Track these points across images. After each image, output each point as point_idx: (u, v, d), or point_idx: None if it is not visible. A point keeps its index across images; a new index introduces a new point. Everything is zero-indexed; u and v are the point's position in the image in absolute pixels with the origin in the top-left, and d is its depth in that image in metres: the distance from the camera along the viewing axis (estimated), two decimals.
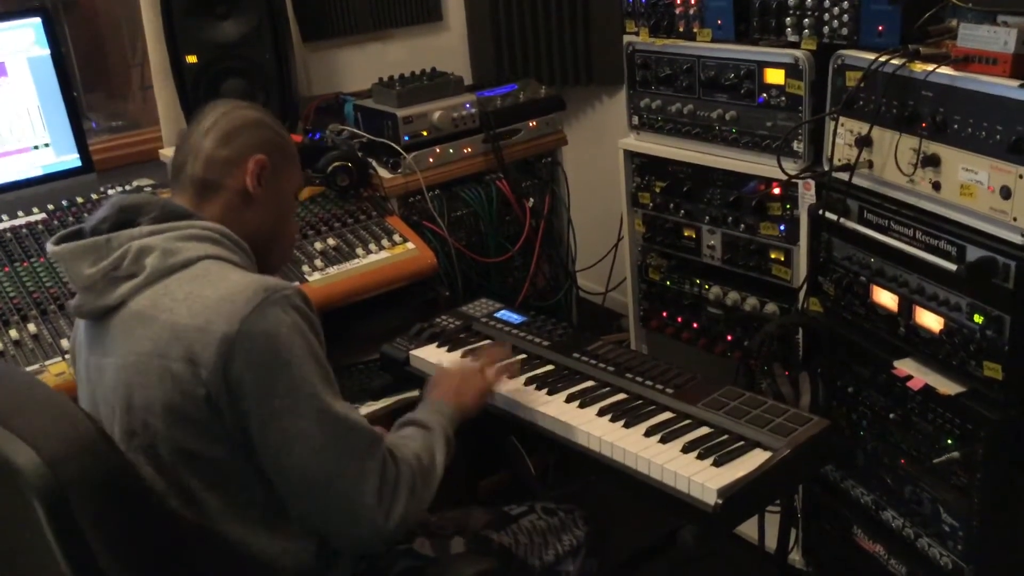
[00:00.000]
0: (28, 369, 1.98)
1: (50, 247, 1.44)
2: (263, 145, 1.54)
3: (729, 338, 2.58)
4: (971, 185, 1.73)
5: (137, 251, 1.39)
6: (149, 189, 2.61)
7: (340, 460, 1.37)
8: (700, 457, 1.58)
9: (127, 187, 2.62)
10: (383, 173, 2.65)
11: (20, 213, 2.46)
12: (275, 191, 1.57)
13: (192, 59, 2.65)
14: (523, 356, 1.90)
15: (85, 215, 2.45)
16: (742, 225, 2.45)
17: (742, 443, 1.62)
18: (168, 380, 1.32)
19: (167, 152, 2.94)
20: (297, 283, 1.41)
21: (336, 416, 1.38)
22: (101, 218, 1.44)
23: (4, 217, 2.45)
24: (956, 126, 1.74)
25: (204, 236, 1.44)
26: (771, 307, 2.45)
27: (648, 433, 1.67)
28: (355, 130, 2.77)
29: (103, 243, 1.40)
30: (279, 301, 1.35)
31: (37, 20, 2.47)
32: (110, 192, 2.59)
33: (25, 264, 2.27)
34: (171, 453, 1.35)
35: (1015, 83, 1.61)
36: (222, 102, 1.59)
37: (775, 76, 2.24)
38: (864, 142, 1.96)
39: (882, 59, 1.86)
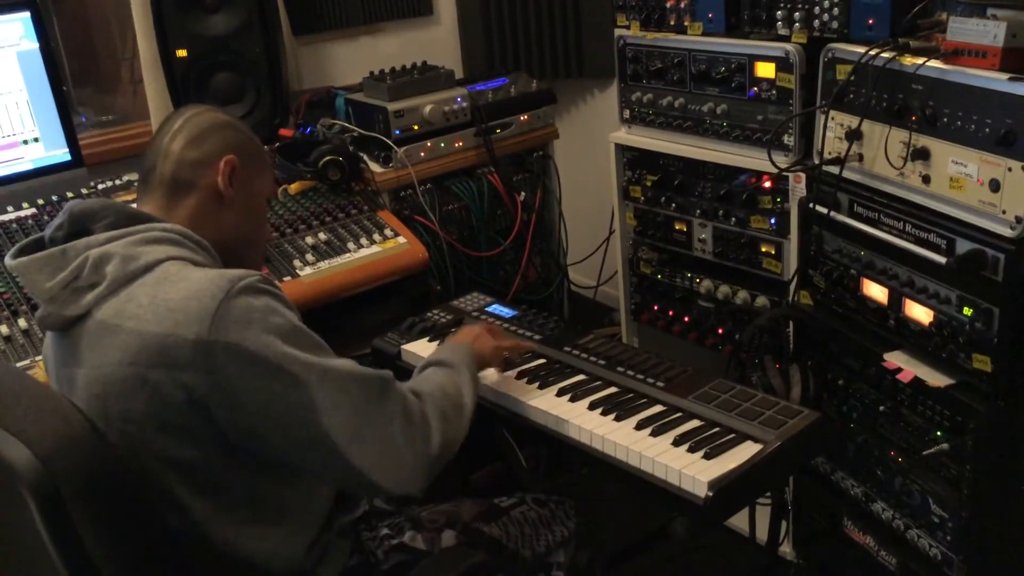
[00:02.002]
0: (18, 365, 1.97)
1: (8, 260, 1.41)
2: (233, 146, 1.53)
3: (720, 331, 2.59)
4: (961, 178, 1.73)
5: (96, 260, 1.36)
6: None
7: (359, 412, 1.36)
8: (691, 450, 1.59)
9: (118, 181, 2.61)
10: (374, 167, 2.64)
11: (10, 208, 2.44)
12: (247, 193, 1.56)
13: (182, 53, 2.64)
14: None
15: (59, 212, 2.43)
16: (733, 218, 2.45)
17: (733, 436, 1.63)
18: (145, 389, 1.30)
19: None
20: (257, 272, 1.39)
21: (339, 373, 1.36)
22: (56, 226, 1.42)
23: None
24: (946, 119, 1.75)
25: (163, 238, 1.41)
26: (762, 300, 2.45)
27: (639, 426, 1.67)
28: (346, 124, 2.77)
29: (58, 254, 1.37)
30: (245, 289, 1.33)
31: (26, 14, 2.46)
32: (100, 187, 2.58)
33: None
34: (154, 461, 1.34)
35: (1004, 76, 1.62)
36: (189, 106, 1.58)
37: (766, 70, 2.25)
38: (854, 135, 1.96)
39: (872, 52, 1.87)
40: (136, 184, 2.55)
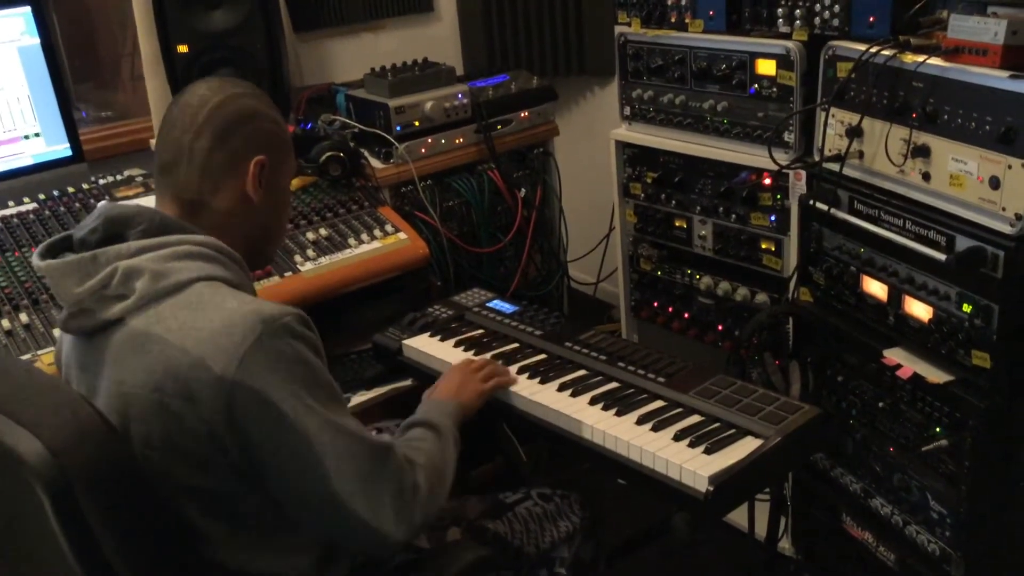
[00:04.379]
0: (21, 359, 1.97)
1: (35, 262, 1.38)
2: (263, 143, 1.47)
3: (720, 328, 2.60)
4: (961, 175, 1.74)
5: (125, 272, 1.32)
6: (140, 179, 2.61)
7: (357, 478, 1.35)
8: (691, 445, 1.60)
9: (118, 176, 2.62)
10: (375, 163, 2.65)
11: (11, 203, 2.45)
12: (274, 188, 1.51)
13: (183, 49, 2.64)
14: (516, 367, 1.91)
15: (76, 204, 2.44)
16: (733, 215, 2.46)
17: (733, 431, 1.63)
18: (166, 416, 1.28)
19: None
20: (293, 310, 1.37)
21: (350, 436, 1.35)
22: (90, 229, 1.38)
23: None
24: (946, 116, 1.75)
25: (196, 253, 1.37)
26: (761, 297, 2.46)
27: (640, 421, 1.68)
28: (347, 120, 2.77)
29: (89, 260, 1.34)
30: (278, 331, 1.30)
31: (27, 9, 2.46)
32: (101, 182, 2.58)
33: (16, 254, 2.27)
34: (170, 486, 1.32)
35: (1005, 74, 1.62)
36: (208, 86, 1.47)
37: (766, 67, 2.25)
38: (855, 132, 1.97)
39: (873, 50, 1.87)
40: (147, 178, 2.59)
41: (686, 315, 2.70)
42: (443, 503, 1.51)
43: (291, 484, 1.33)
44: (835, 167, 2.02)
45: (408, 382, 2.22)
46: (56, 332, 2.04)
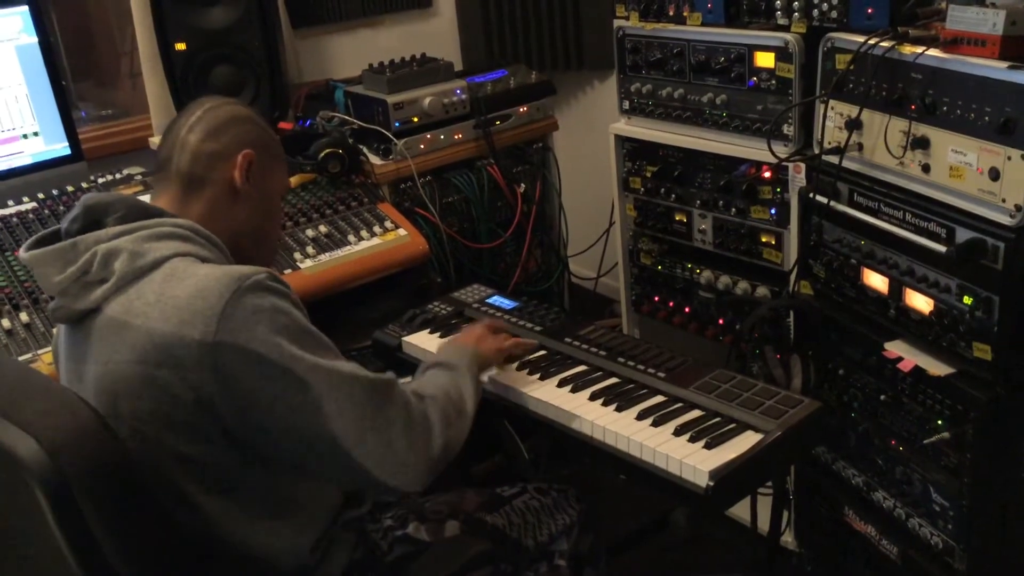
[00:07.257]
0: (21, 359, 1.98)
1: (22, 253, 1.41)
2: (251, 141, 1.53)
3: (720, 322, 2.59)
4: (960, 167, 1.73)
5: (104, 255, 1.36)
6: (139, 177, 2.61)
7: (363, 416, 1.36)
8: (692, 440, 1.59)
9: (118, 175, 2.62)
10: (374, 160, 2.64)
11: (10, 202, 2.44)
12: (262, 188, 1.55)
13: (181, 46, 2.64)
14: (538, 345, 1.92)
15: (75, 204, 2.44)
16: (733, 209, 2.45)
17: (734, 425, 1.63)
18: (154, 387, 1.30)
19: (157, 140, 2.93)
20: (264, 269, 1.39)
21: (344, 377, 1.36)
22: (72, 218, 1.42)
23: None
24: (945, 108, 1.75)
25: (173, 234, 1.40)
26: (762, 290, 2.46)
27: (640, 416, 1.68)
28: (345, 117, 2.76)
29: (69, 248, 1.37)
30: (252, 288, 1.32)
31: (24, 8, 2.46)
32: (100, 181, 2.58)
33: (16, 253, 2.27)
34: (165, 459, 1.33)
35: (1004, 64, 1.62)
36: (208, 98, 1.57)
37: (765, 59, 2.25)
38: (854, 125, 1.96)
39: (871, 42, 1.86)
40: (145, 176, 2.59)
41: (687, 309, 2.69)
42: (464, 436, 1.52)
43: (295, 438, 1.34)
44: (834, 159, 2.01)
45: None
46: (55, 330, 2.04)
